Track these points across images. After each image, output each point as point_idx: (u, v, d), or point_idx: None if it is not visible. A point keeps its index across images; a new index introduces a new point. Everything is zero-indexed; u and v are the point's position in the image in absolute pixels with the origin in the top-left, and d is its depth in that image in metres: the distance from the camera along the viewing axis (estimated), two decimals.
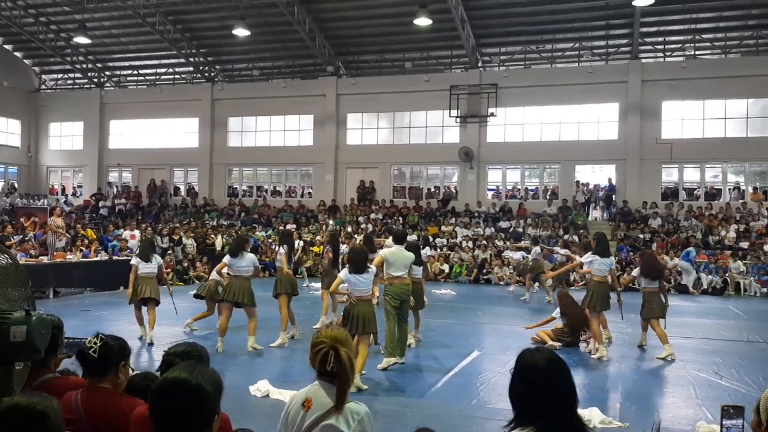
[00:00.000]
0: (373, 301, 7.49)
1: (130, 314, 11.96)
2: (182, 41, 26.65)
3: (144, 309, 9.80)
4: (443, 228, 23.41)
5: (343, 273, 7.29)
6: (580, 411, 2.29)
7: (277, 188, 28.81)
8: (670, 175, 24.12)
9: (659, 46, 23.93)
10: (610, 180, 23.99)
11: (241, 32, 22.96)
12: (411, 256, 8.37)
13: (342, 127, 26.86)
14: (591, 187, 24.54)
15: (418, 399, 6.70)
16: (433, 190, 26.57)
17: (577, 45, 24.31)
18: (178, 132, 29.22)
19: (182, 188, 29.85)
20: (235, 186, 29.22)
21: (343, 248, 15.24)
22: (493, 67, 25.73)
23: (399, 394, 6.86)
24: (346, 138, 26.96)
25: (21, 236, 17.70)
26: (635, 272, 9.99)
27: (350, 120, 26.99)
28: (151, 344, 9.30)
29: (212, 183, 28.61)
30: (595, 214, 24.55)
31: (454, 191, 26.04)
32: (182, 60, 27.97)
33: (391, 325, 7.93)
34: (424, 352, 9.10)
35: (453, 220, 23.80)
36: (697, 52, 23.63)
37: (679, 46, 23.71)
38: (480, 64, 25.47)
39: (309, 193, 28.04)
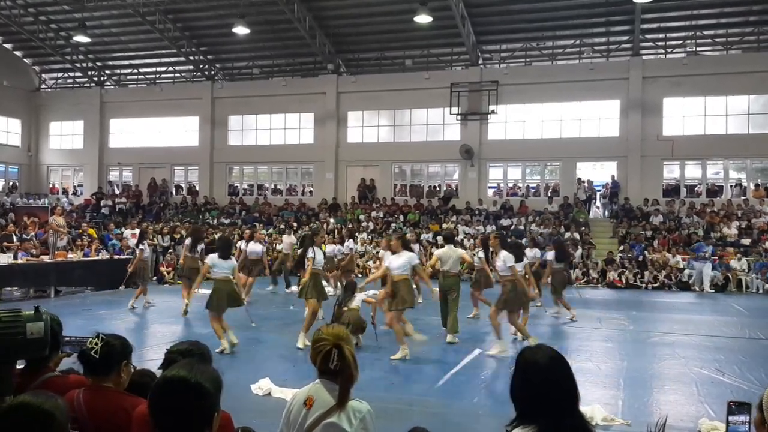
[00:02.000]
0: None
1: (131, 313, 11.97)
2: (182, 39, 26.63)
3: None
4: (444, 226, 23.37)
5: (211, 257, 9.08)
6: (582, 408, 2.28)
7: (278, 186, 28.79)
8: (671, 172, 24.10)
9: (660, 43, 23.89)
10: (613, 177, 23.96)
11: (241, 30, 22.93)
12: (461, 252, 10.37)
13: (342, 125, 26.84)
14: (592, 184, 24.53)
15: (420, 397, 6.69)
16: (434, 188, 26.55)
17: (577, 42, 24.27)
18: (179, 130, 29.20)
19: (183, 187, 29.85)
20: (235, 184, 29.21)
21: (338, 247, 15.43)
22: (494, 64, 25.70)
23: (401, 391, 6.85)
24: (346, 136, 26.94)
25: (21, 235, 17.71)
26: (549, 256, 12.36)
27: (351, 118, 26.96)
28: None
29: (213, 181, 28.60)
30: (597, 211, 24.56)
31: (454, 189, 26.02)
32: (182, 58, 27.96)
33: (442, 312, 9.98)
34: (426, 350, 9.09)
35: (454, 218, 23.77)
36: (698, 49, 23.59)
37: (680, 42, 23.66)
38: (480, 62, 25.43)
39: (310, 191, 28.02)
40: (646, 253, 20.15)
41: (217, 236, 14.79)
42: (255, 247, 14.02)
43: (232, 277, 9.03)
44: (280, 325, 11.19)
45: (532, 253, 13.86)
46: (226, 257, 9.06)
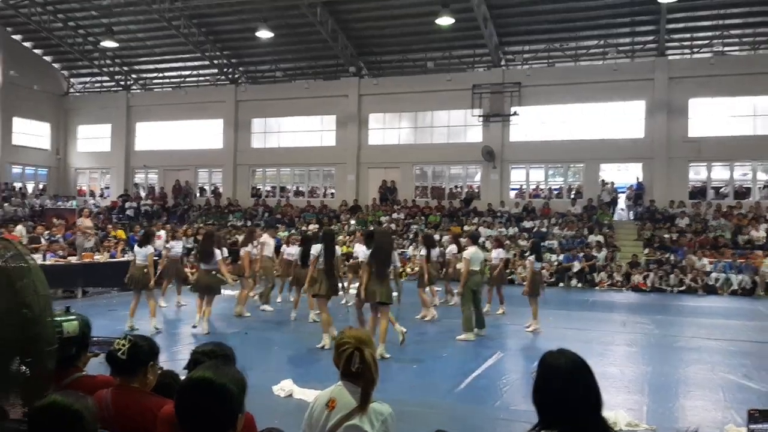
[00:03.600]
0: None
1: (159, 314, 12.11)
2: (206, 44, 26.95)
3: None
4: (466, 228, 23.28)
5: (136, 247, 10.91)
6: (606, 413, 2.26)
7: (300, 188, 28.96)
8: (698, 174, 23.73)
9: (686, 43, 23.55)
10: (638, 179, 23.68)
11: (264, 34, 23.12)
12: (483, 254, 10.98)
13: (364, 128, 26.91)
14: (614, 186, 24.25)
15: (441, 400, 6.68)
16: (455, 189, 26.48)
17: (601, 42, 24.03)
18: (203, 133, 29.53)
19: (207, 189, 30.17)
20: (258, 186, 29.44)
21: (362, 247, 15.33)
22: (516, 65, 25.55)
23: (422, 395, 6.85)
24: (368, 138, 27.01)
25: (49, 237, 18.06)
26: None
27: (372, 120, 27.03)
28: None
29: (236, 184, 28.87)
30: (621, 213, 24.28)
31: (476, 191, 25.93)
32: (206, 62, 28.28)
33: (467, 309, 10.07)
34: (447, 353, 9.09)
35: (476, 220, 23.68)
36: (725, 49, 23.19)
37: (707, 42, 23.30)
38: (503, 63, 25.31)
39: (331, 193, 28.13)
40: (672, 256, 19.85)
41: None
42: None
43: (144, 263, 10.50)
44: (300, 326, 11.24)
45: (495, 253, 13.85)
46: (141, 245, 10.77)
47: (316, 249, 9.41)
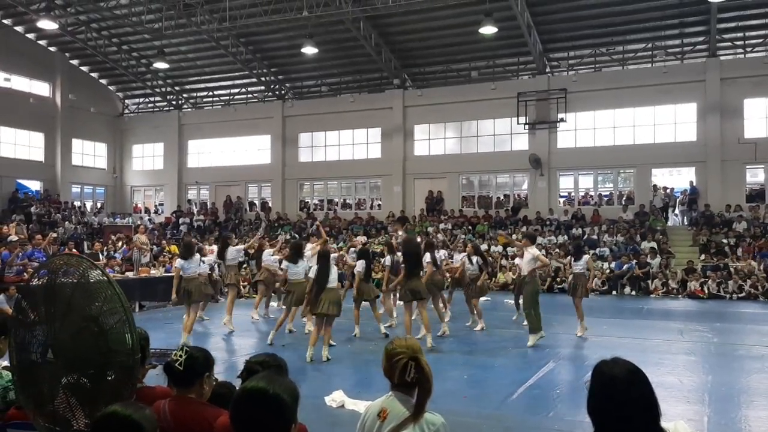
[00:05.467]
0: None
1: (211, 325, 12.39)
2: (254, 61, 27.59)
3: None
4: (514, 236, 23.00)
5: (178, 260, 10.70)
6: (665, 424, 2.21)
7: (347, 201, 29.20)
8: (755, 176, 22.91)
9: (738, 42, 22.82)
10: (691, 183, 23.00)
11: (309, 50, 23.46)
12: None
13: (409, 139, 27.00)
14: (672, 191, 23.59)
15: (493, 410, 6.61)
16: (502, 198, 26.23)
17: (649, 45, 23.52)
18: (252, 149, 30.16)
19: (256, 203, 30.73)
20: (306, 200, 29.82)
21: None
22: (562, 72, 25.23)
23: (474, 405, 6.79)
24: (413, 149, 27.07)
25: (107, 253, 18.70)
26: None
27: (417, 131, 27.09)
28: None
29: (285, 197, 29.33)
30: (676, 218, 23.60)
31: (524, 199, 25.63)
32: (254, 79, 28.94)
33: (531, 312, 10.18)
34: (499, 363, 8.99)
35: (524, 229, 23.36)
36: None
37: (761, 41, 22.53)
38: (548, 70, 25.03)
39: (378, 204, 28.27)
40: (729, 261, 19.15)
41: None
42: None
43: (192, 275, 10.43)
44: (350, 338, 11.30)
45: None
46: (185, 258, 10.54)
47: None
